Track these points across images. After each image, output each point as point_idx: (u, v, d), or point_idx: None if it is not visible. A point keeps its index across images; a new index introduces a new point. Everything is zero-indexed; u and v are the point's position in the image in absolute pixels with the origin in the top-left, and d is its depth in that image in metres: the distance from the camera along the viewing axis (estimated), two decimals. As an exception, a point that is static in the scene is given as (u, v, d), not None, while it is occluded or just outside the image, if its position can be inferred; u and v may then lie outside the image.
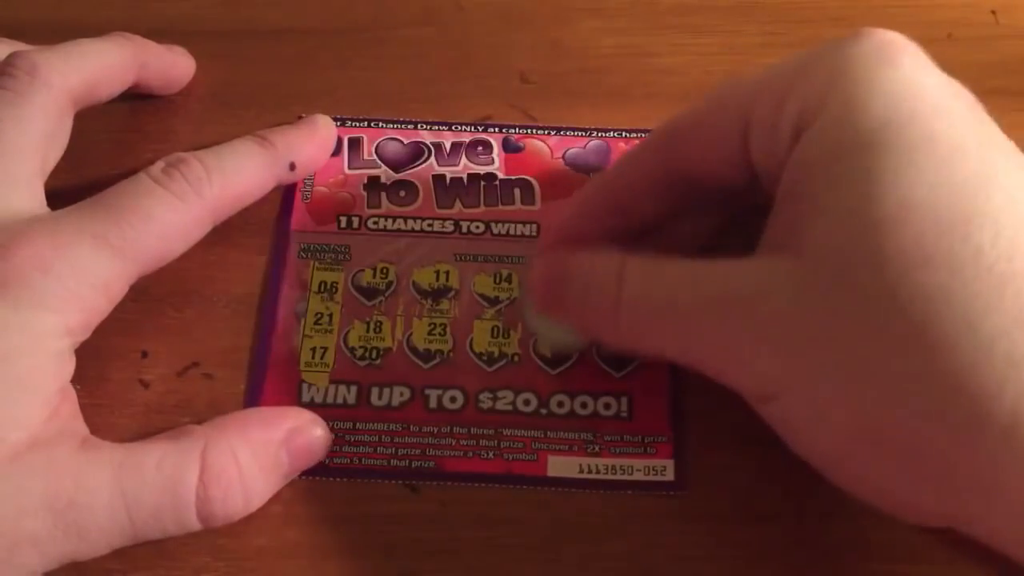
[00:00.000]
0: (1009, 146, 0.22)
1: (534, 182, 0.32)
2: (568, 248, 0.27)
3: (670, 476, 0.27)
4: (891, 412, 0.21)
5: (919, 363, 0.20)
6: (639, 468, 0.27)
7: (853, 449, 0.22)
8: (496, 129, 0.33)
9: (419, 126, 0.34)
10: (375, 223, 0.32)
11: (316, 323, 0.30)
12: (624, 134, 0.33)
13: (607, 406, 0.28)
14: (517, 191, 0.32)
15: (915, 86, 0.22)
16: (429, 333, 0.30)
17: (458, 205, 0.32)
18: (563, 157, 0.33)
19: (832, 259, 0.21)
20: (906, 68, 0.22)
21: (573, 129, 0.33)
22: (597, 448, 0.28)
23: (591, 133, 0.33)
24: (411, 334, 0.30)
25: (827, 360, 0.21)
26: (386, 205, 0.32)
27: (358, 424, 0.28)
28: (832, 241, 0.21)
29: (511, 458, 0.28)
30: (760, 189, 0.25)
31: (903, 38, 0.23)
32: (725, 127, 0.25)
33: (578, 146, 0.33)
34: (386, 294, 0.30)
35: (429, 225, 0.31)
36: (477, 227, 0.31)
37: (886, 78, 0.22)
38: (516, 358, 0.29)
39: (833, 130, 0.22)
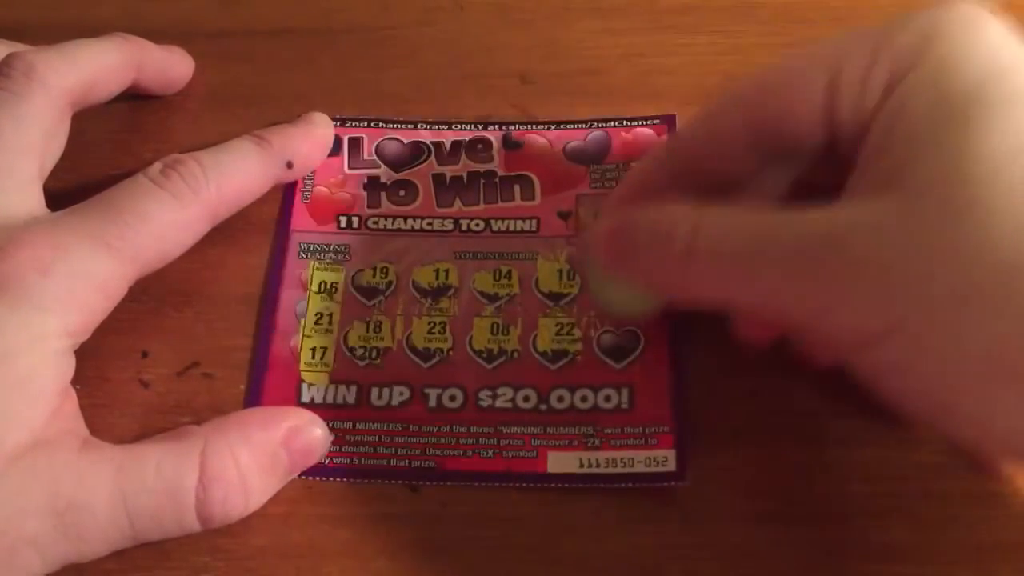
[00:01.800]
0: None
1: (534, 178, 0.32)
2: (635, 205, 0.26)
3: (671, 467, 0.27)
4: None
5: None
6: (640, 460, 0.27)
7: (979, 386, 0.21)
8: (496, 126, 0.33)
9: (419, 126, 0.34)
10: (375, 223, 0.32)
11: (316, 323, 0.30)
12: (624, 122, 0.33)
13: (608, 398, 0.28)
14: (517, 187, 0.32)
15: (1008, 46, 0.23)
16: (429, 332, 0.29)
17: (458, 204, 0.32)
18: (563, 150, 0.33)
19: (950, 190, 0.21)
20: (996, 31, 0.23)
21: (573, 122, 0.33)
22: (597, 442, 0.28)
23: (591, 124, 0.33)
24: (411, 333, 0.29)
25: (951, 294, 0.21)
26: (386, 205, 0.32)
27: (358, 424, 0.28)
28: (948, 174, 0.21)
29: (511, 456, 0.27)
30: (830, 159, 0.25)
31: (984, 9, 0.24)
32: (813, 82, 0.24)
33: (578, 138, 0.33)
34: (386, 294, 0.30)
35: (429, 224, 0.31)
36: (477, 225, 0.31)
37: (980, 39, 0.23)
38: (515, 354, 0.29)
39: (931, 84, 0.22)
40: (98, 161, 0.33)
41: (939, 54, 0.23)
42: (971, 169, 0.21)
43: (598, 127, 0.33)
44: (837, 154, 0.25)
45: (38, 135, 0.28)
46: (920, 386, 0.22)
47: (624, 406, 0.28)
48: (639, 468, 0.27)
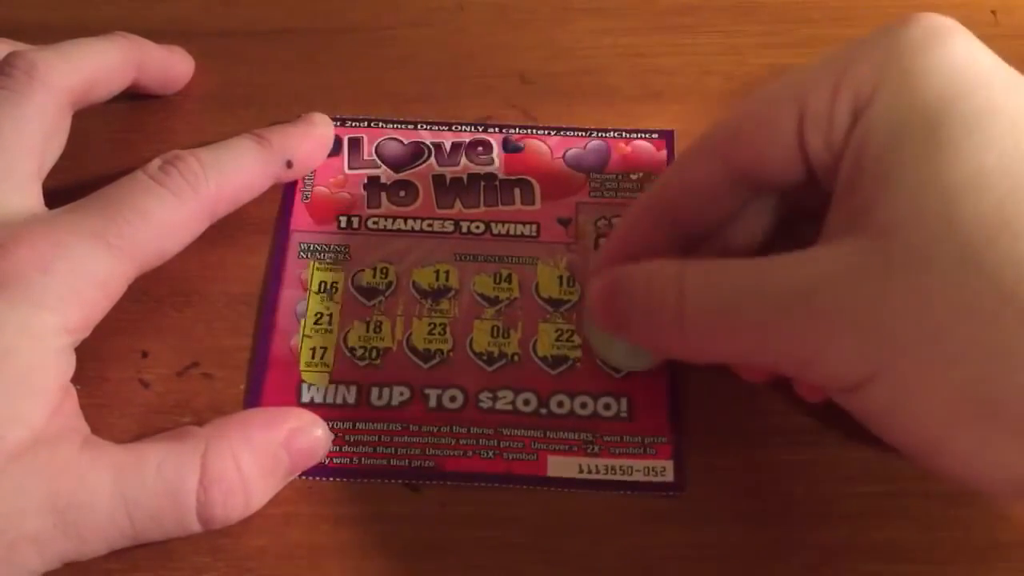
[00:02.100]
0: None
1: (534, 182, 0.32)
2: (623, 264, 0.26)
3: (669, 477, 0.27)
4: (1003, 381, 0.20)
5: (1020, 330, 0.20)
6: (638, 469, 0.27)
7: (961, 425, 0.21)
8: (496, 129, 0.33)
9: (419, 126, 0.34)
10: (375, 223, 0.32)
11: (316, 323, 0.30)
12: (624, 134, 0.33)
13: (607, 406, 0.28)
14: (517, 191, 0.32)
15: (969, 61, 0.22)
16: (429, 333, 0.29)
17: (458, 205, 0.32)
18: (563, 157, 0.33)
19: (911, 233, 0.21)
20: (958, 46, 0.22)
21: (573, 129, 0.33)
22: (597, 448, 0.28)
23: (591, 133, 0.33)
24: (411, 334, 0.29)
25: (922, 337, 0.20)
26: (386, 205, 0.32)
27: (358, 424, 0.28)
28: (908, 215, 0.21)
29: (511, 458, 0.27)
30: (815, 186, 0.25)
31: (952, 20, 0.23)
32: (782, 120, 0.24)
33: (578, 146, 0.33)
34: (386, 294, 0.30)
35: (429, 225, 0.31)
36: (477, 227, 0.31)
37: (939, 56, 0.22)
38: (516, 358, 0.29)
39: (892, 109, 0.22)
40: (98, 161, 0.32)
41: (897, 78, 0.22)
42: (930, 205, 0.21)
43: (598, 137, 0.33)
44: (820, 184, 0.24)
45: (38, 134, 0.28)
46: (907, 427, 0.22)
47: (623, 415, 0.28)
48: (637, 476, 0.27)
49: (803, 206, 0.26)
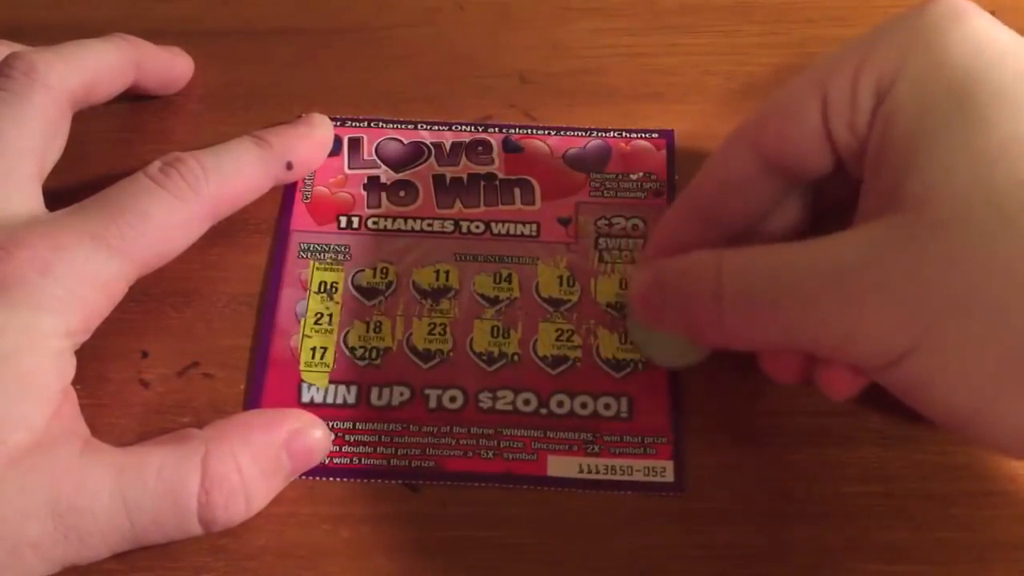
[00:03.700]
0: None
1: (534, 182, 0.32)
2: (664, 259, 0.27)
3: (669, 477, 0.27)
4: None
5: None
6: (639, 469, 0.27)
7: (1004, 391, 0.21)
8: (496, 129, 0.33)
9: (419, 126, 0.34)
10: (375, 223, 0.32)
11: (316, 323, 0.30)
12: (624, 134, 0.33)
13: (607, 406, 0.28)
14: (517, 191, 0.32)
15: (991, 36, 0.22)
16: (429, 333, 0.29)
17: (458, 205, 0.32)
18: (563, 157, 0.33)
19: (943, 200, 0.21)
20: (978, 22, 0.23)
21: (573, 129, 0.33)
22: (597, 448, 0.28)
23: (591, 133, 0.33)
24: (411, 334, 0.29)
25: (959, 303, 0.21)
26: (386, 205, 0.32)
27: (358, 424, 0.28)
28: (939, 183, 0.21)
29: (511, 458, 0.27)
30: (844, 176, 0.25)
31: (968, 1, 0.23)
32: (807, 108, 0.24)
33: (578, 146, 0.33)
34: (386, 294, 0.30)
35: (429, 225, 0.31)
36: (477, 227, 0.31)
37: (961, 32, 0.22)
38: (516, 358, 0.29)
39: (918, 85, 0.22)
40: (98, 161, 0.33)
41: (920, 58, 0.23)
42: (961, 172, 0.21)
43: (598, 136, 0.33)
44: (848, 173, 0.25)
45: (38, 135, 0.28)
46: (948, 397, 0.22)
47: (623, 415, 0.28)
48: (638, 476, 0.27)
49: (835, 200, 0.26)
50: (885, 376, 0.23)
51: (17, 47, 0.30)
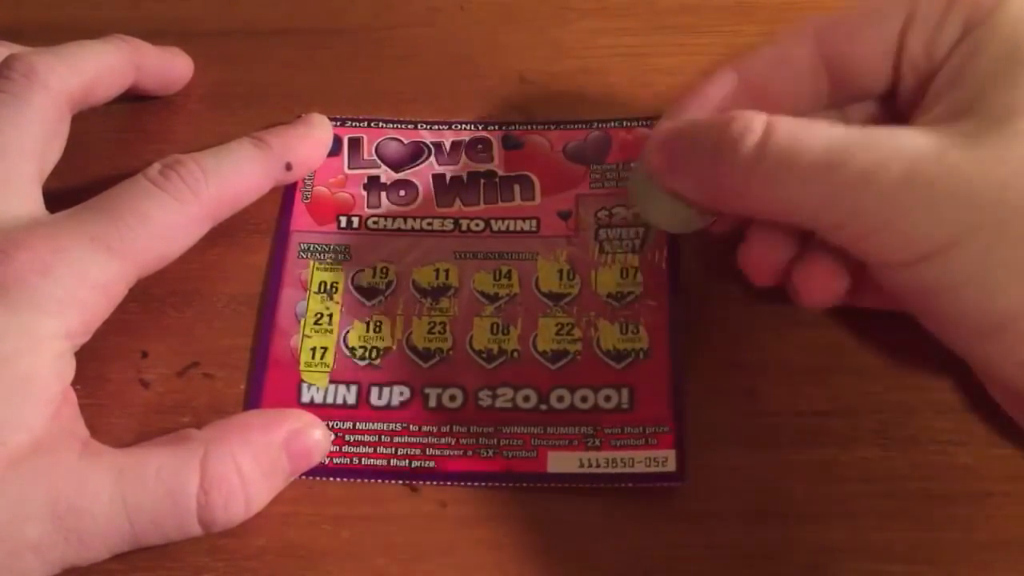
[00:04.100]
0: None
1: (533, 178, 0.32)
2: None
3: (672, 467, 0.27)
4: None
5: None
6: (640, 460, 0.27)
7: None
8: (496, 127, 0.33)
9: (419, 126, 0.34)
10: (375, 223, 0.32)
11: (316, 323, 0.30)
12: (626, 123, 0.33)
13: (608, 398, 0.28)
14: (517, 187, 0.32)
15: None
16: (429, 332, 0.29)
17: (458, 204, 0.32)
18: (563, 150, 0.33)
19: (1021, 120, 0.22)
20: None
21: (573, 122, 0.33)
22: (598, 442, 0.28)
23: (591, 125, 0.33)
24: (411, 333, 0.29)
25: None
26: (386, 205, 0.32)
27: (358, 424, 0.28)
28: (1019, 106, 0.22)
29: (511, 456, 0.27)
30: (897, 96, 0.26)
31: None
32: (888, 23, 0.25)
33: (578, 139, 0.33)
34: (386, 294, 0.30)
35: (429, 224, 0.31)
36: (477, 225, 0.31)
37: None
38: (515, 354, 0.29)
39: (1007, 31, 0.23)
40: (98, 161, 0.33)
41: (1016, 5, 0.23)
42: None
43: (598, 127, 0.33)
44: (894, 102, 0.25)
45: (38, 137, 0.28)
46: (974, 301, 0.22)
47: (624, 406, 0.28)
48: (639, 468, 0.27)
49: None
50: (901, 274, 0.23)
51: (17, 48, 0.30)
